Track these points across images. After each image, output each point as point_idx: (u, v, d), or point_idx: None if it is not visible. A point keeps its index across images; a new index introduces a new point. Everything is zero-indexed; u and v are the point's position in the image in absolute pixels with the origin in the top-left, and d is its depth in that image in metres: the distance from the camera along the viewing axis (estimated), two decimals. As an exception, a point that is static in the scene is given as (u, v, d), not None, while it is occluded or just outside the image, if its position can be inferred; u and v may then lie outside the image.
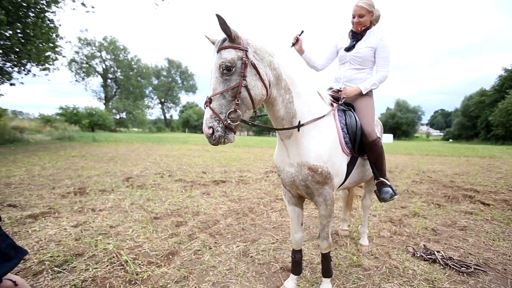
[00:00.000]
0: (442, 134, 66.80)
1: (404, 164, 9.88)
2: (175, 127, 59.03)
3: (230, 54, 1.37)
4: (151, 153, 11.09)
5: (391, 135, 32.07)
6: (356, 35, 2.15)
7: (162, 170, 6.97)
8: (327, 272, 1.96)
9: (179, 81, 62.25)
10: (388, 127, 50.73)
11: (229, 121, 1.36)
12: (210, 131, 1.34)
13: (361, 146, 1.97)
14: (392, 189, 2.09)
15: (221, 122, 1.35)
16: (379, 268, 2.39)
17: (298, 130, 1.63)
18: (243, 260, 2.47)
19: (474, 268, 2.38)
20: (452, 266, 2.41)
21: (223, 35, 1.40)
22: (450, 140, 46.03)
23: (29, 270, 2.11)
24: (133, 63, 51.74)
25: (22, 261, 2.23)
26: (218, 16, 1.30)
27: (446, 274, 2.31)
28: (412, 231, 3.31)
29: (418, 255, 2.62)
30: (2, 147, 11.57)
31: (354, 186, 2.28)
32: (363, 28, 2.12)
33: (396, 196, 2.11)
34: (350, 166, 1.93)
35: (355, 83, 2.17)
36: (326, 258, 1.95)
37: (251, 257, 2.53)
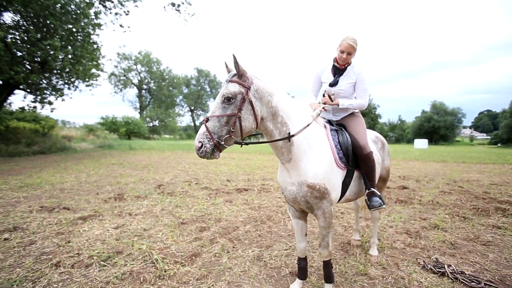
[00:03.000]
0: (488, 138, 60.78)
1: (435, 172, 9.42)
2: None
3: (234, 88, 1.68)
4: (181, 161, 11.84)
5: (425, 140, 30.01)
6: (338, 71, 2.35)
7: (190, 178, 7.50)
8: (328, 277, 2.16)
9: (208, 89, 64.76)
10: (424, 132, 47.61)
11: (221, 142, 1.63)
12: (199, 145, 1.61)
13: (355, 160, 2.17)
14: (381, 198, 2.26)
15: (211, 140, 1.62)
16: (384, 278, 2.51)
17: (289, 141, 1.85)
18: (257, 264, 2.74)
19: (484, 283, 2.39)
20: (462, 280, 2.45)
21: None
22: (499, 144, 41.74)
23: (82, 263, 2.60)
24: (165, 74, 55.11)
25: (77, 254, 2.74)
26: (233, 56, 1.64)
27: (454, 288, 2.36)
28: (428, 243, 3.31)
29: (428, 268, 2.67)
30: (55, 155, 13.16)
31: (355, 198, 2.44)
32: (346, 65, 2.33)
33: (383, 205, 2.27)
34: (348, 179, 2.14)
35: (345, 111, 2.43)
36: (327, 265, 2.15)
37: (264, 261, 2.79)
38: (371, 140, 2.64)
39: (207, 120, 1.66)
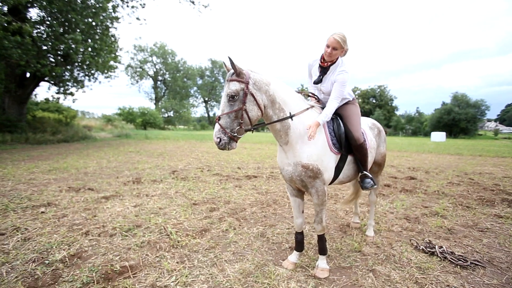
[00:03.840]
0: (515, 131, 57.63)
1: (447, 164, 9.31)
2: (217, 124, 61.92)
3: (235, 86, 1.91)
4: (194, 149, 12.29)
5: (443, 133, 28.94)
6: (323, 69, 2.36)
7: (203, 165, 7.87)
8: (322, 250, 2.40)
9: (222, 80, 64.96)
10: (443, 124, 45.85)
11: (234, 134, 1.90)
12: (218, 140, 1.89)
13: (348, 146, 2.36)
14: (372, 180, 2.47)
15: (226, 134, 1.89)
16: (377, 255, 2.72)
17: (292, 119, 2.08)
18: (260, 239, 3.03)
19: (471, 262, 2.56)
20: (450, 259, 2.62)
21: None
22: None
23: (107, 233, 2.98)
24: (179, 65, 55.86)
25: (102, 226, 3.13)
26: (229, 58, 1.86)
27: (441, 265, 2.54)
28: (424, 228, 3.47)
29: (419, 248, 2.85)
30: (78, 143, 13.98)
31: (348, 181, 2.64)
32: (329, 63, 2.30)
33: (375, 186, 2.48)
34: (341, 163, 2.36)
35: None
36: (321, 239, 2.39)
37: (267, 237, 3.07)
38: (368, 127, 2.82)
39: (219, 118, 1.91)
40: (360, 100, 59.74)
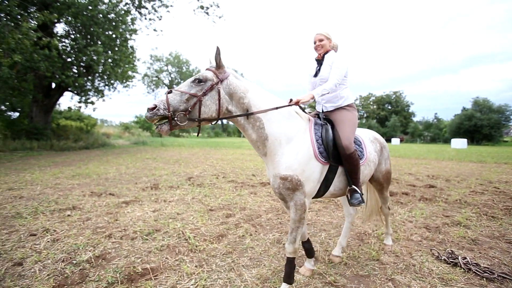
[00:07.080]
0: (544, 138, 54.42)
1: (469, 172, 8.93)
2: (231, 132, 62.69)
3: (207, 73, 1.79)
4: (209, 157, 12.47)
5: (464, 140, 27.69)
6: (319, 61, 2.35)
7: (218, 172, 7.98)
8: (287, 277, 2.05)
9: (234, 89, 65.86)
10: (464, 131, 44.08)
11: (174, 117, 1.64)
12: (153, 106, 1.62)
13: (338, 156, 2.10)
14: (361, 196, 2.17)
15: (166, 110, 1.62)
16: (396, 264, 2.66)
17: (247, 118, 1.89)
18: (276, 245, 3.04)
19: (498, 275, 2.45)
20: (475, 271, 2.52)
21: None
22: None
23: (128, 236, 3.10)
24: (194, 73, 57.26)
25: (124, 230, 3.25)
26: (217, 47, 1.75)
27: (465, 277, 2.45)
28: (446, 238, 3.35)
29: (441, 259, 2.76)
30: (98, 150, 14.55)
31: (342, 194, 2.32)
32: (323, 53, 2.32)
33: (363, 203, 2.17)
34: (331, 174, 2.10)
35: (334, 101, 2.35)
36: (290, 263, 2.05)
37: (283, 244, 3.08)
38: (369, 140, 2.61)
39: (170, 92, 1.70)
40: (375, 106, 58.65)
